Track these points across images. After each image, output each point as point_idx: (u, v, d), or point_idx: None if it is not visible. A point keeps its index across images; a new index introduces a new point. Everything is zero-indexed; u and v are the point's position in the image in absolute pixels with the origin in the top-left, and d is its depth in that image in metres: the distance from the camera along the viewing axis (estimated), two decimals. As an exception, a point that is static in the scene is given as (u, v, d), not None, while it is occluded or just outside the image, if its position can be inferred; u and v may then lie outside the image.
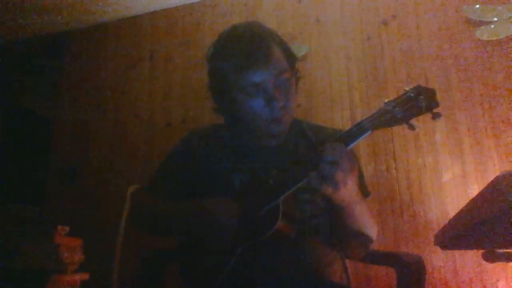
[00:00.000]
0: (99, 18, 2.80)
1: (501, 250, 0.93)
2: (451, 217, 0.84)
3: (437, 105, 0.78)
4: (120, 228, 1.55)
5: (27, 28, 2.85)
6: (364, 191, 1.05)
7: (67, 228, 1.88)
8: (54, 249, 1.77)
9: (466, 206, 0.71)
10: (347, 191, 0.78)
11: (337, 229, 0.96)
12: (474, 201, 0.66)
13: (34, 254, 1.72)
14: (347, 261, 1.28)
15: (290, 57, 1.02)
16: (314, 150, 0.83)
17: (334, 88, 2.21)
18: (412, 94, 0.79)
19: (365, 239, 0.97)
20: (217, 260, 0.88)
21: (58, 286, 1.73)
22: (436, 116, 0.78)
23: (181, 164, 1.10)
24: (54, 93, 2.85)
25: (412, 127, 0.79)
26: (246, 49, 0.94)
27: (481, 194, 0.61)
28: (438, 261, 1.80)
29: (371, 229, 0.97)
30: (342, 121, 2.12)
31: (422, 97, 0.78)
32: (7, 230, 1.74)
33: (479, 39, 2.00)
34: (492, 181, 0.55)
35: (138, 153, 2.47)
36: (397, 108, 0.78)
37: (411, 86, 0.80)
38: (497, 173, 0.54)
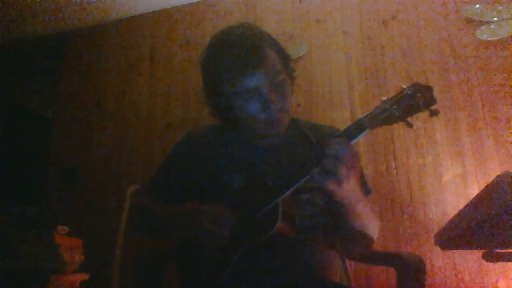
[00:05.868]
0: (99, 18, 2.80)
1: (501, 250, 0.93)
2: (451, 217, 0.84)
3: (434, 102, 0.78)
4: (120, 228, 1.55)
5: (27, 28, 2.85)
6: (365, 188, 1.05)
7: (67, 228, 1.88)
8: (54, 249, 1.77)
9: (466, 206, 0.72)
10: (349, 187, 0.77)
11: (339, 227, 0.96)
12: (474, 201, 0.66)
13: (34, 254, 1.72)
14: (347, 261, 1.28)
15: (284, 57, 1.01)
16: (313, 148, 0.83)
17: (334, 88, 2.21)
18: (409, 92, 0.79)
19: (367, 238, 0.97)
20: (217, 262, 0.88)
21: (58, 286, 1.73)
22: (433, 113, 0.78)
23: (180, 165, 1.10)
24: (54, 93, 2.85)
25: (410, 125, 0.79)
26: (239, 54, 0.92)
27: (481, 194, 0.61)
28: (438, 261, 1.80)
29: (373, 227, 0.96)
30: (342, 121, 2.12)
31: (419, 94, 0.78)
32: (7, 230, 1.73)
33: (479, 39, 2.01)
34: (492, 181, 0.55)
35: (138, 153, 2.47)
36: (394, 106, 0.78)
37: (409, 84, 0.80)
38: (497, 173, 0.54)
